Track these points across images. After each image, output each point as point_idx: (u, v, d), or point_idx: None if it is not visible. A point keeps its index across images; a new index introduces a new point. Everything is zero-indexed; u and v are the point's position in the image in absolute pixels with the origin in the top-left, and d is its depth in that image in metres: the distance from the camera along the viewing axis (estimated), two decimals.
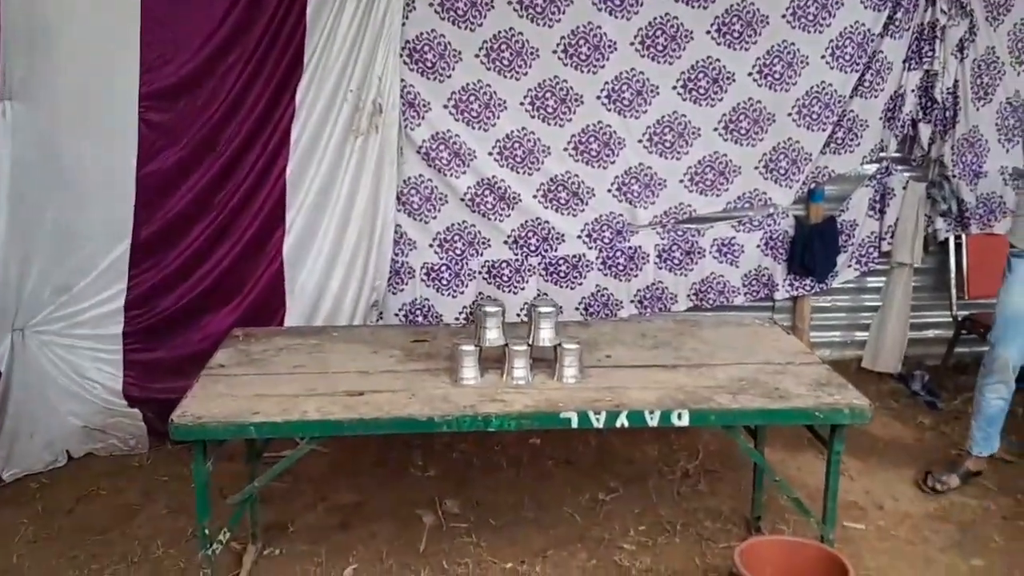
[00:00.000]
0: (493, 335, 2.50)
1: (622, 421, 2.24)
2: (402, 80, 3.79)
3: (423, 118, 3.89)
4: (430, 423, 2.24)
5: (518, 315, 3.97)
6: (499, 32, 3.81)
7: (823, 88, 4.03)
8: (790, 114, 4.06)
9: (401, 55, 3.77)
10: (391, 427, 2.25)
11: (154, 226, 3.58)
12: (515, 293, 4.13)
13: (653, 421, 2.25)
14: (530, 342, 2.50)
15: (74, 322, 3.53)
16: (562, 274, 4.15)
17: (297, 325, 3.76)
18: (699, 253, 4.20)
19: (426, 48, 3.81)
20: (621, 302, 4.21)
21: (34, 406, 3.44)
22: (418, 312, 4.14)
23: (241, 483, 2.68)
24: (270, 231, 3.75)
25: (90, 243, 3.51)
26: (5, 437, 3.34)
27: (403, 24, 3.72)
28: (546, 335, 2.50)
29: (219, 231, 3.67)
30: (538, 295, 4.12)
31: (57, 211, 3.43)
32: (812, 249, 4.21)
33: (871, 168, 4.27)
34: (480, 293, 4.13)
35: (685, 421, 2.26)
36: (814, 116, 4.07)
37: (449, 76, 3.85)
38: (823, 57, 3.99)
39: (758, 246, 4.25)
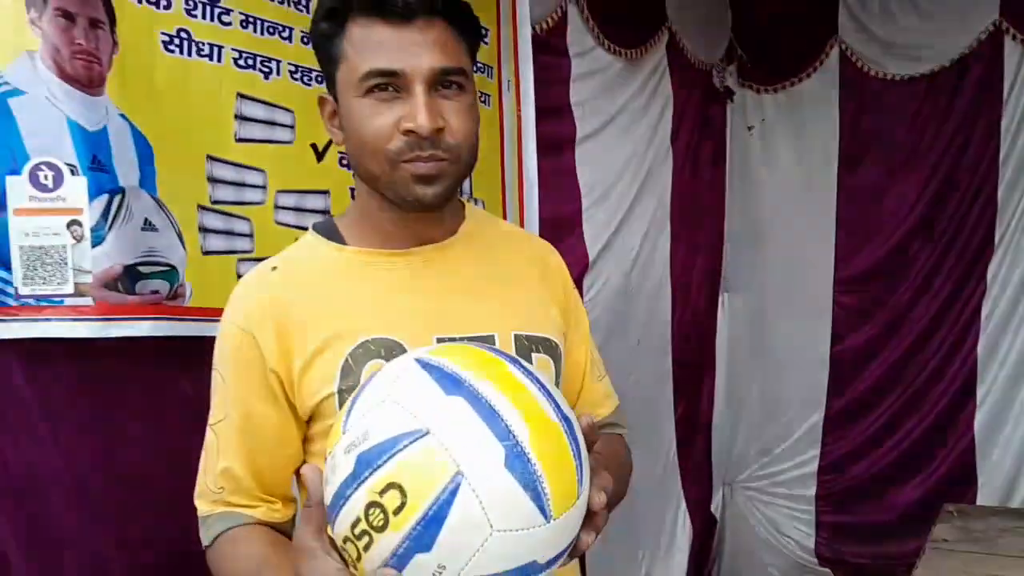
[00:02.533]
0: None
1: None
2: None
3: None
4: None
5: None
6: None
7: None
8: None
9: None
10: None
11: (845, 398, 3.92)
12: None
13: None
14: None
15: (773, 481, 4.01)
16: None
17: (992, 505, 3.64)
18: None
19: None
20: None
21: (741, 552, 3.96)
22: None
23: None
24: (960, 407, 3.78)
25: (789, 411, 3.99)
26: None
27: None
28: None
29: (907, 405, 3.84)
30: None
31: (762, 382, 4.02)
32: None
33: None
34: None
35: None
36: None
37: None
38: None
39: None
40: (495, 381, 0.87)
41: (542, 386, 0.90)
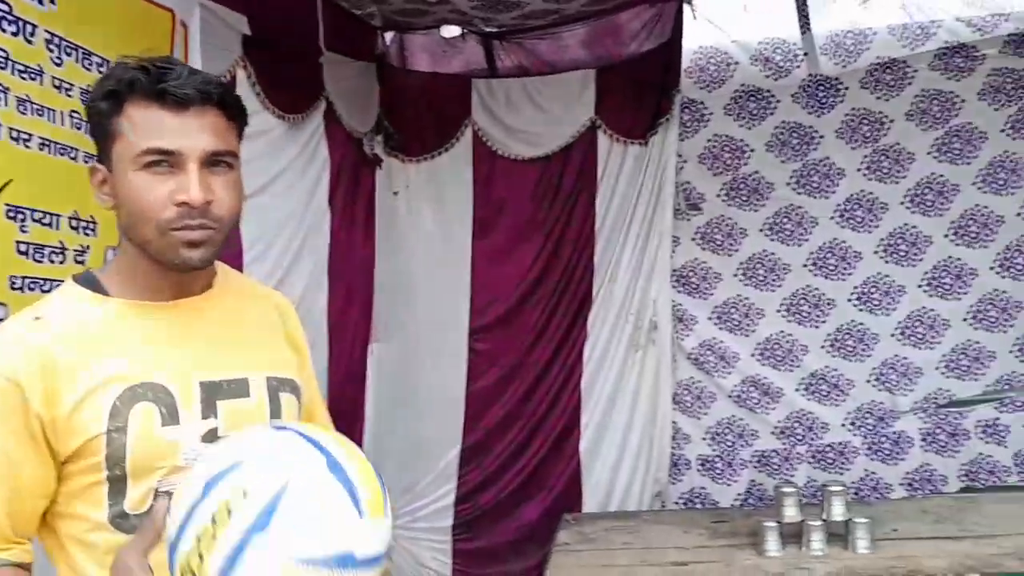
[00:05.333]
0: (791, 512, 2.98)
1: None
2: (672, 300, 4.54)
3: (691, 330, 4.56)
4: None
5: None
6: (754, 254, 4.49)
7: None
8: None
9: (671, 280, 4.54)
10: None
11: (478, 434, 4.44)
12: (785, 479, 4.51)
13: None
14: (824, 518, 2.94)
15: (415, 517, 4.38)
16: (829, 460, 4.50)
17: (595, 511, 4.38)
18: (964, 435, 4.40)
19: (691, 273, 4.56)
20: (891, 485, 4.44)
21: None
22: (696, 500, 4.60)
23: None
24: (569, 433, 4.50)
25: (430, 449, 4.40)
26: None
27: (671, 256, 4.52)
28: (838, 511, 2.94)
29: (528, 435, 4.46)
30: (807, 481, 4.47)
31: (406, 424, 4.38)
32: None
33: None
34: (752, 480, 4.55)
35: None
36: None
37: (712, 294, 4.55)
38: None
39: None
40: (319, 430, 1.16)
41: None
